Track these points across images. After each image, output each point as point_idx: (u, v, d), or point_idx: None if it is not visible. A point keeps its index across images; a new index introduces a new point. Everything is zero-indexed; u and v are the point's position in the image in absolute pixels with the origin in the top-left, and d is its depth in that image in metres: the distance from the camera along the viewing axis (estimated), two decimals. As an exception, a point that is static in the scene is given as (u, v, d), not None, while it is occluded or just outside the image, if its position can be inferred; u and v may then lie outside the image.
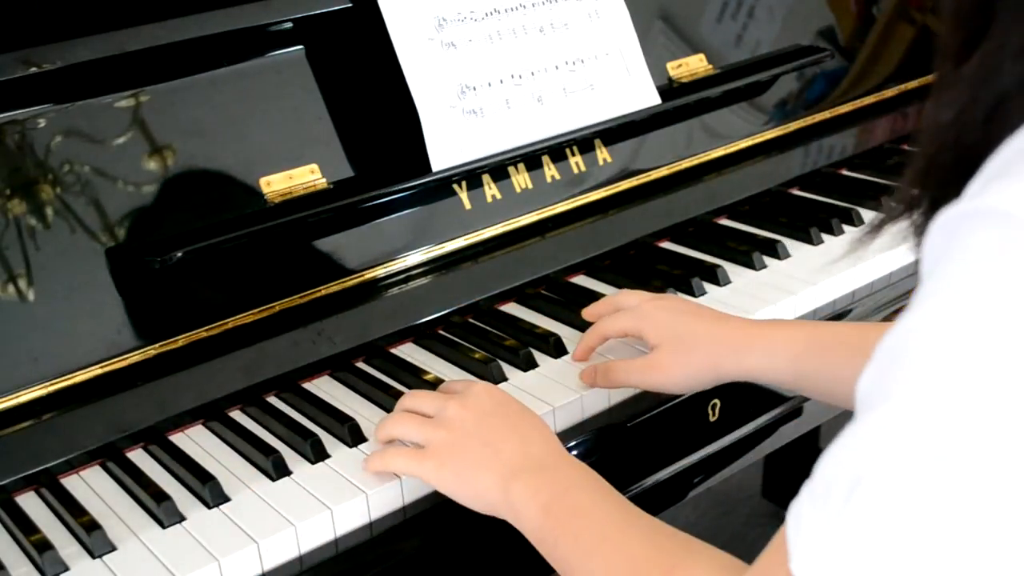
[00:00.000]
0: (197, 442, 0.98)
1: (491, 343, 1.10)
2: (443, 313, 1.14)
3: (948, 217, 0.53)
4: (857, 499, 0.52)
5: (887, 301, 1.25)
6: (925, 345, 0.52)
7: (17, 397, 0.92)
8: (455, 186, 1.18)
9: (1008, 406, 0.49)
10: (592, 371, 1.02)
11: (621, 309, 1.05)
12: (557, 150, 1.24)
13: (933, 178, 0.60)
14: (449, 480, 0.86)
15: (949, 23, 0.60)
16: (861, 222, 1.34)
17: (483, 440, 0.85)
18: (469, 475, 0.85)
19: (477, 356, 1.07)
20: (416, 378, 1.05)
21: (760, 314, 1.14)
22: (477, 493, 0.84)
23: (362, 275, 1.10)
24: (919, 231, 0.61)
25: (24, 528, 0.86)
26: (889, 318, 1.23)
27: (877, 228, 0.66)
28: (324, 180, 1.09)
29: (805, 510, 0.55)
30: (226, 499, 0.89)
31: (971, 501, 0.49)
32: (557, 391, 1.02)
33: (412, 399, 0.93)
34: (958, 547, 0.50)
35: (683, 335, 0.98)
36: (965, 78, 0.57)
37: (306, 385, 1.06)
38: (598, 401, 1.03)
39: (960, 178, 0.55)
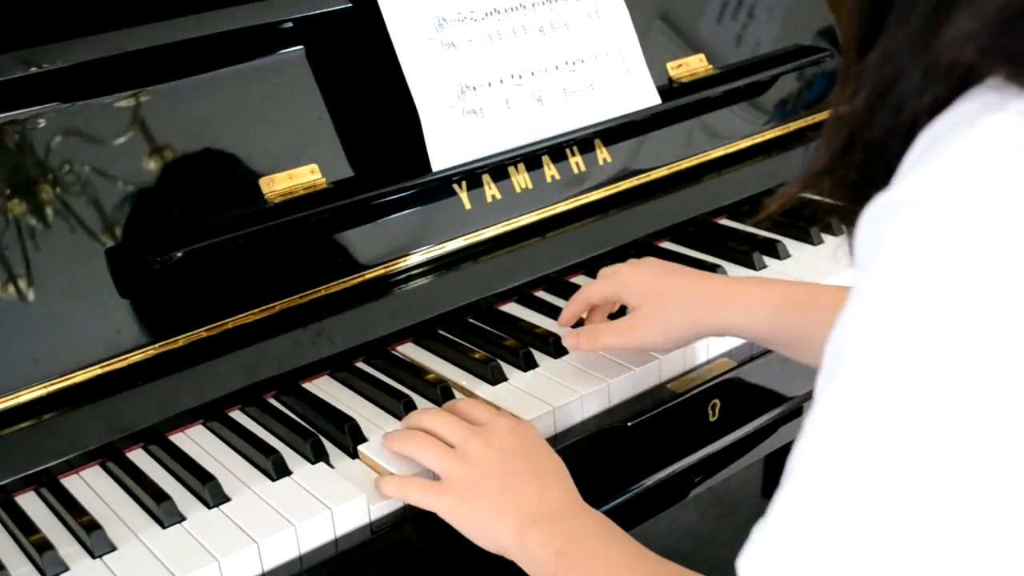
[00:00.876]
0: (197, 442, 0.98)
1: (491, 343, 1.10)
2: (443, 313, 1.14)
3: (871, 211, 0.54)
4: (786, 490, 0.54)
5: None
6: (855, 342, 0.53)
7: (17, 397, 0.92)
8: (455, 186, 1.18)
9: (932, 391, 0.50)
10: (576, 336, 1.03)
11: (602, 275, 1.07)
12: (557, 150, 1.24)
13: (850, 167, 0.60)
14: (465, 519, 0.85)
15: (852, 15, 0.60)
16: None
17: (503, 483, 0.85)
18: (486, 517, 0.85)
19: (477, 356, 1.07)
20: (416, 378, 1.05)
21: (760, 314, 1.14)
22: (492, 536, 0.84)
23: (362, 275, 1.10)
24: (847, 219, 0.62)
25: (24, 528, 0.86)
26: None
27: (779, 202, 0.68)
28: (324, 180, 1.09)
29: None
30: (226, 499, 0.89)
31: (897, 487, 0.50)
32: (557, 391, 1.02)
33: (433, 420, 0.92)
34: (887, 531, 0.51)
35: (663, 293, 1.00)
36: (869, 71, 0.57)
37: (306, 385, 1.06)
38: (598, 401, 1.03)
39: (876, 174, 0.56)
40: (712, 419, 1.08)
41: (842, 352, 0.53)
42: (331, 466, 0.93)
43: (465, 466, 0.87)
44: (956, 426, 0.49)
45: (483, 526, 0.85)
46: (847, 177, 0.61)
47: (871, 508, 0.51)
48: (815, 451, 0.53)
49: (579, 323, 1.11)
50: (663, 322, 0.99)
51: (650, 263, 1.07)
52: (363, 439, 0.96)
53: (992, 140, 0.51)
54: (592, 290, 1.06)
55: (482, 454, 0.87)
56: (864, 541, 0.51)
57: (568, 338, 1.05)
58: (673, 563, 0.77)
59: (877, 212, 0.53)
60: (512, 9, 1.20)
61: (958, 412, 0.49)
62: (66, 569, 0.83)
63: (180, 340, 1.00)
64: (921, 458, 0.50)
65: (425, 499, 0.88)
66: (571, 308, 1.08)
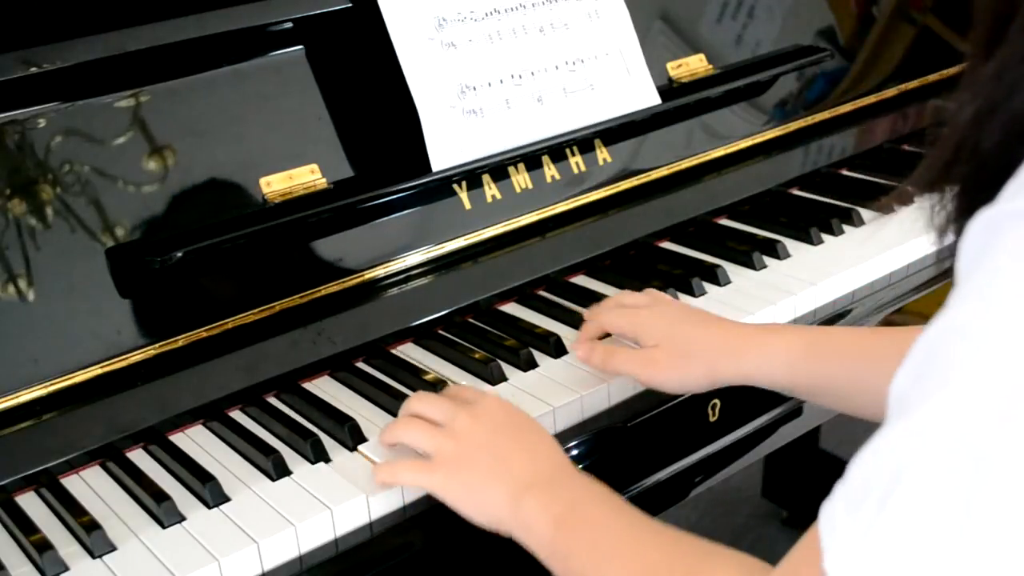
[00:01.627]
0: (197, 442, 0.98)
1: (491, 343, 1.10)
2: (443, 313, 1.14)
3: (986, 218, 0.52)
4: (895, 501, 0.51)
5: (887, 301, 1.25)
6: (966, 345, 0.51)
7: (17, 397, 0.92)
8: (455, 186, 1.18)
9: None
10: (590, 348, 1.02)
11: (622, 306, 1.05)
12: (557, 150, 1.24)
13: (955, 175, 0.59)
14: (457, 493, 0.85)
15: (979, 11, 0.58)
16: (861, 222, 1.34)
17: (493, 454, 0.85)
18: (478, 489, 0.84)
19: (477, 356, 1.07)
20: (416, 378, 1.05)
21: (760, 314, 1.14)
22: (485, 507, 0.84)
23: (362, 275, 1.10)
24: (942, 225, 0.61)
25: (24, 528, 0.86)
26: (889, 318, 1.23)
27: (893, 200, 0.65)
28: (324, 180, 1.09)
29: (839, 511, 0.54)
30: (226, 499, 0.89)
31: (1014, 506, 0.48)
32: (557, 391, 1.02)
33: (420, 403, 0.92)
34: (997, 553, 0.49)
35: (679, 339, 0.99)
36: (985, 81, 0.56)
37: (306, 385, 1.06)
38: (598, 401, 1.03)
39: (981, 179, 0.55)
40: (712, 419, 1.08)
41: (942, 351, 0.52)
42: (331, 466, 0.93)
43: (454, 441, 0.86)
44: None
45: (476, 498, 0.84)
46: (951, 184, 0.59)
47: (996, 532, 0.49)
48: (932, 462, 0.50)
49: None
50: (680, 368, 0.98)
51: (669, 306, 1.04)
52: (363, 439, 0.96)
53: None
54: (610, 320, 1.04)
55: (470, 427, 0.87)
56: (990, 556, 0.49)
57: (581, 349, 1.03)
58: (670, 527, 0.76)
59: (992, 220, 0.52)
60: (512, 9, 1.20)
61: None
62: (66, 569, 0.83)
63: (180, 340, 1.00)
64: None
65: (416, 477, 0.87)
66: (587, 331, 1.06)
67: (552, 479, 0.83)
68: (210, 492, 0.89)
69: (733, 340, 0.98)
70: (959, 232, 0.55)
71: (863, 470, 0.54)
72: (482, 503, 0.84)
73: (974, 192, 0.54)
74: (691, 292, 1.19)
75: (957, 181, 0.59)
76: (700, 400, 1.06)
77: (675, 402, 1.04)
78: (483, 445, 0.86)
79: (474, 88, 1.17)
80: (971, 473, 0.49)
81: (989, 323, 0.50)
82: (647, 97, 1.28)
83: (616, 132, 1.28)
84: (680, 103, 1.32)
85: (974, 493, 0.49)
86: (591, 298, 1.14)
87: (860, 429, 0.67)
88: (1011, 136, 0.54)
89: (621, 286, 1.20)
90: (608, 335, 1.08)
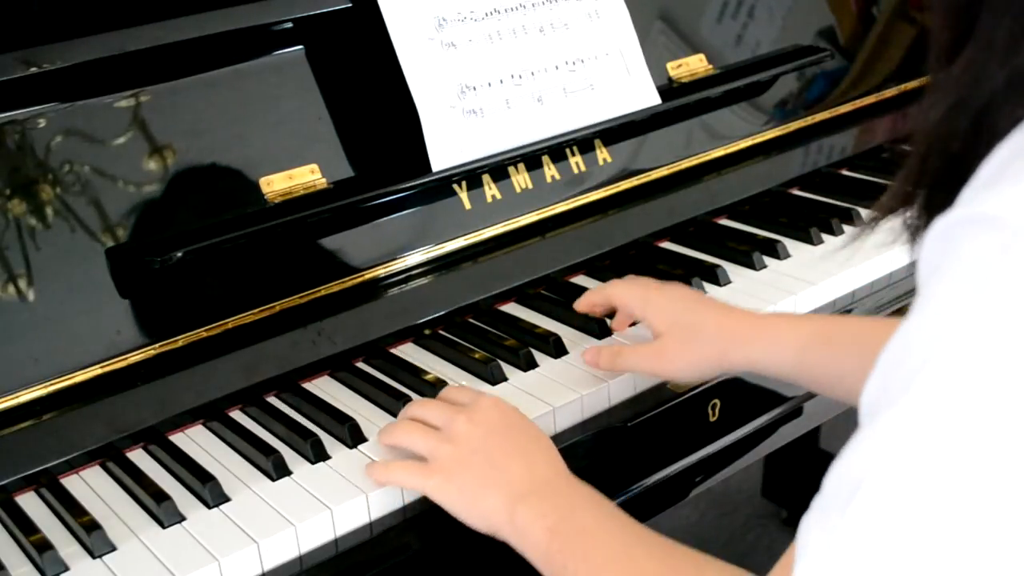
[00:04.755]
0: (197, 442, 0.98)
1: (491, 343, 1.10)
2: (443, 313, 1.14)
3: (943, 225, 0.52)
4: (856, 505, 0.52)
5: (887, 301, 1.25)
6: (925, 353, 0.51)
7: (17, 397, 0.92)
8: (455, 186, 1.18)
9: (1009, 412, 0.49)
10: (596, 352, 1.02)
11: (613, 302, 1.06)
12: (557, 150, 1.24)
13: (926, 178, 0.59)
14: (453, 497, 0.85)
15: (939, 20, 0.59)
16: (861, 222, 1.34)
17: (489, 459, 0.85)
18: (474, 494, 0.84)
19: (477, 356, 1.07)
20: (416, 378, 1.05)
21: (760, 314, 1.14)
22: (481, 513, 0.84)
23: (362, 275, 1.10)
24: (914, 231, 0.61)
25: (24, 528, 0.86)
26: (889, 318, 1.23)
27: (870, 224, 0.66)
28: (324, 180, 1.09)
29: (811, 521, 0.55)
30: (226, 499, 0.89)
31: (972, 508, 0.49)
32: (557, 391, 1.02)
33: (419, 408, 0.92)
34: (958, 553, 0.49)
35: (689, 325, 0.99)
36: (953, 79, 0.56)
37: (306, 385, 1.06)
38: (598, 401, 1.03)
39: (951, 181, 0.55)
40: (712, 419, 1.08)
41: (905, 360, 0.52)
42: (331, 466, 0.93)
43: (451, 445, 0.86)
44: None
45: (472, 504, 0.84)
46: (924, 185, 0.60)
47: (949, 535, 0.49)
48: (890, 470, 0.51)
49: (585, 324, 1.11)
50: (689, 355, 0.98)
51: (679, 292, 1.04)
52: (363, 439, 0.96)
53: None
54: (617, 292, 1.04)
55: (467, 431, 0.86)
56: (946, 563, 0.50)
57: (587, 354, 1.03)
58: (664, 537, 0.76)
59: (951, 226, 0.52)
60: (512, 9, 1.20)
61: None
62: (66, 569, 0.83)
63: (180, 340, 1.00)
64: (989, 479, 0.49)
65: (412, 480, 0.87)
66: (592, 298, 1.06)
67: (548, 487, 0.83)
68: (210, 492, 0.89)
69: (742, 326, 0.98)
70: None
71: (833, 480, 0.54)
72: (477, 509, 0.84)
73: (943, 195, 0.54)
74: (691, 292, 1.19)
75: (929, 184, 0.59)
76: (700, 400, 1.06)
77: (675, 402, 1.04)
78: (479, 450, 0.85)
79: (474, 88, 1.17)
80: (929, 476, 0.50)
81: (945, 332, 0.51)
82: (647, 97, 1.28)
83: (616, 132, 1.28)
84: (680, 103, 1.32)
85: (931, 498, 0.50)
86: (591, 298, 1.14)
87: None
88: (979, 135, 0.55)
89: (621, 286, 1.20)
90: (608, 333, 1.08)
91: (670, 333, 0.99)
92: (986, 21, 0.55)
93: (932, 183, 0.59)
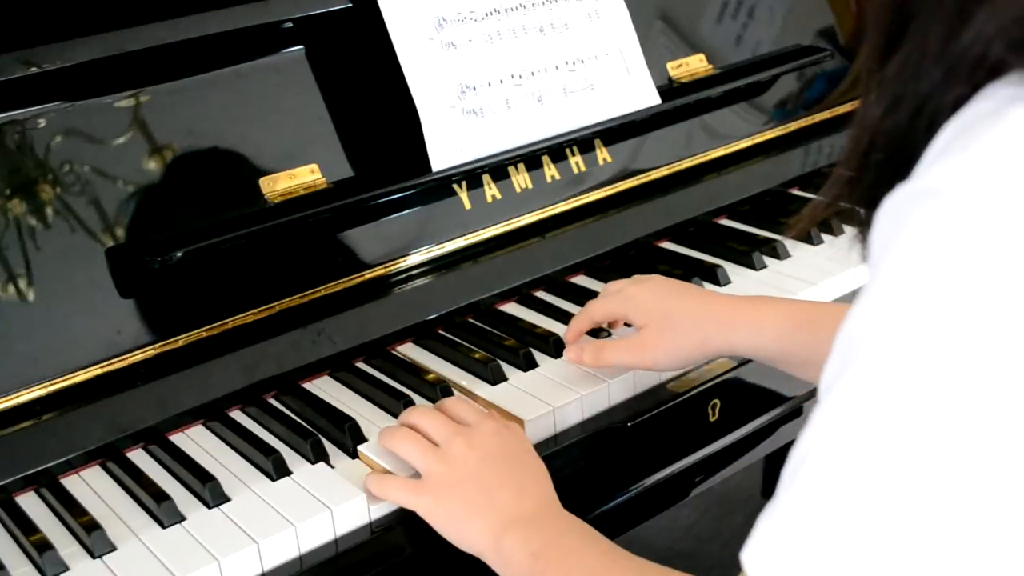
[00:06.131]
0: (197, 442, 0.98)
1: (491, 343, 1.10)
2: (443, 313, 1.14)
3: (890, 203, 0.53)
4: (797, 481, 0.53)
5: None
6: (869, 330, 0.52)
7: (17, 397, 0.92)
8: (455, 186, 1.18)
9: (947, 383, 0.49)
10: (579, 349, 1.03)
11: (603, 294, 1.06)
12: (557, 150, 1.24)
13: (868, 172, 0.60)
14: (441, 519, 0.86)
15: (872, 23, 0.60)
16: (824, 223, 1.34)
17: (481, 485, 0.85)
18: (461, 519, 0.85)
19: (477, 356, 1.07)
20: (416, 378, 1.05)
21: (760, 314, 1.14)
22: (466, 537, 0.85)
23: (362, 275, 1.10)
24: (860, 224, 0.62)
25: (24, 528, 0.86)
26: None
27: (812, 217, 0.68)
28: (324, 180, 1.09)
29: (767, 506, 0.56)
30: (226, 499, 0.89)
31: (908, 477, 0.50)
32: (557, 391, 1.02)
33: (421, 417, 0.92)
34: (895, 523, 0.50)
35: (669, 314, 0.99)
36: (888, 78, 0.58)
37: (306, 385, 1.06)
38: (598, 401, 1.03)
39: (894, 173, 0.56)
40: (712, 419, 1.08)
41: (855, 343, 0.53)
42: (331, 466, 0.93)
43: (446, 466, 0.87)
44: (976, 425, 0.49)
45: (458, 528, 0.85)
46: (867, 179, 0.60)
47: (887, 505, 0.50)
48: (828, 445, 0.53)
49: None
50: (671, 343, 0.98)
51: (656, 281, 1.05)
52: (363, 439, 0.96)
53: (1021, 131, 0.50)
54: (597, 308, 1.05)
55: (463, 455, 0.87)
56: (877, 538, 0.51)
57: (571, 352, 1.04)
58: (649, 562, 0.77)
59: (897, 203, 0.53)
60: (512, 9, 1.20)
61: (978, 409, 0.49)
62: (66, 569, 0.83)
63: (180, 340, 1.00)
64: (938, 457, 0.49)
65: (403, 497, 0.88)
66: (576, 326, 1.07)
67: (535, 516, 0.84)
68: (210, 492, 0.89)
69: (723, 312, 0.98)
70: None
71: (788, 461, 0.56)
72: (464, 533, 0.85)
73: (886, 188, 0.55)
74: (691, 292, 1.19)
75: (872, 177, 0.60)
76: (700, 400, 1.06)
77: (675, 402, 1.04)
78: (472, 476, 0.86)
79: (474, 88, 1.17)
80: (868, 452, 0.51)
81: (890, 308, 0.51)
82: (647, 97, 1.28)
83: (616, 132, 1.28)
84: (680, 103, 1.32)
85: (872, 471, 0.51)
86: (591, 298, 1.14)
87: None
88: (920, 121, 0.56)
89: (621, 286, 1.20)
90: (600, 331, 1.08)
91: (650, 324, 1.00)
92: (919, 21, 0.56)
93: (875, 177, 0.60)
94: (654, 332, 0.99)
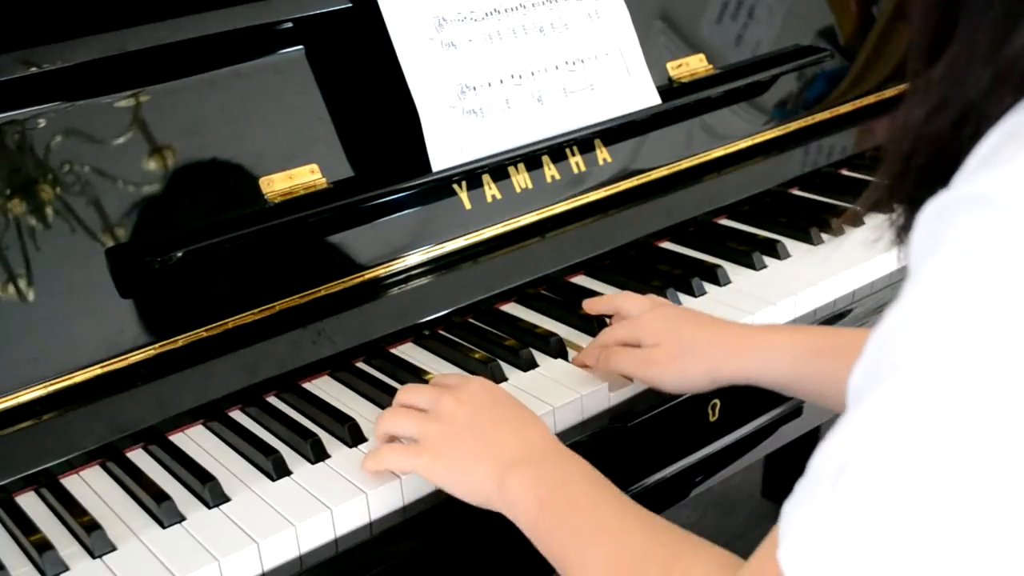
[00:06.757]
0: (197, 442, 0.98)
1: (491, 343, 1.10)
2: (443, 313, 1.14)
3: (934, 207, 0.53)
4: (841, 485, 0.53)
5: (888, 301, 1.24)
6: (912, 335, 0.52)
7: (17, 397, 0.92)
8: (455, 186, 1.18)
9: (993, 393, 0.49)
10: (586, 351, 1.03)
11: (621, 313, 1.06)
12: (557, 150, 1.24)
13: (910, 176, 0.60)
14: (443, 473, 0.86)
15: (918, 24, 0.60)
16: (862, 222, 1.34)
17: (477, 433, 0.85)
18: (464, 467, 0.85)
19: (477, 356, 1.07)
20: (416, 378, 1.04)
21: (760, 314, 1.14)
22: (472, 485, 0.84)
23: (362, 275, 1.10)
24: (899, 230, 0.62)
25: (24, 528, 0.86)
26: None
27: (849, 221, 0.67)
28: (324, 180, 1.09)
29: (795, 503, 0.56)
30: (226, 499, 0.89)
31: (955, 487, 0.50)
32: (557, 391, 1.02)
33: (407, 393, 0.93)
34: (942, 532, 0.50)
35: (682, 339, 0.99)
36: (936, 80, 0.57)
37: (306, 385, 1.06)
38: (598, 401, 1.03)
39: (935, 177, 0.56)
40: (712, 419, 1.08)
41: (895, 350, 0.52)
42: (331, 466, 0.93)
43: (438, 424, 0.87)
44: None
45: (462, 477, 0.85)
46: (907, 183, 0.60)
47: (937, 517, 0.50)
48: (873, 455, 0.52)
49: (585, 324, 1.11)
50: (681, 367, 0.98)
51: (669, 310, 1.05)
52: (363, 439, 0.96)
53: None
54: (611, 336, 1.04)
55: (453, 410, 0.87)
56: (927, 549, 0.50)
57: (580, 356, 1.05)
58: (657, 516, 0.77)
59: (942, 207, 0.52)
60: (512, 9, 1.20)
61: None
62: (66, 569, 0.83)
63: (180, 340, 1.00)
64: (988, 472, 0.49)
65: (402, 462, 0.88)
66: (600, 307, 1.08)
67: (539, 456, 0.83)
68: (210, 492, 0.89)
69: (734, 339, 0.98)
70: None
71: (816, 463, 0.55)
72: (468, 482, 0.84)
73: (927, 192, 0.55)
74: (691, 292, 1.19)
75: (913, 181, 0.60)
76: (700, 400, 1.06)
77: (675, 402, 1.04)
78: (467, 425, 0.86)
79: (474, 88, 1.17)
80: (914, 456, 0.50)
81: (935, 314, 0.51)
82: (647, 97, 1.28)
83: (616, 132, 1.28)
84: (680, 103, 1.32)
85: (917, 475, 0.50)
86: (591, 298, 1.14)
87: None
88: (965, 127, 0.56)
89: (621, 286, 1.20)
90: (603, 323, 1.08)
91: (664, 343, 0.99)
92: (967, 23, 0.56)
93: (916, 180, 0.59)
94: (665, 352, 0.99)
